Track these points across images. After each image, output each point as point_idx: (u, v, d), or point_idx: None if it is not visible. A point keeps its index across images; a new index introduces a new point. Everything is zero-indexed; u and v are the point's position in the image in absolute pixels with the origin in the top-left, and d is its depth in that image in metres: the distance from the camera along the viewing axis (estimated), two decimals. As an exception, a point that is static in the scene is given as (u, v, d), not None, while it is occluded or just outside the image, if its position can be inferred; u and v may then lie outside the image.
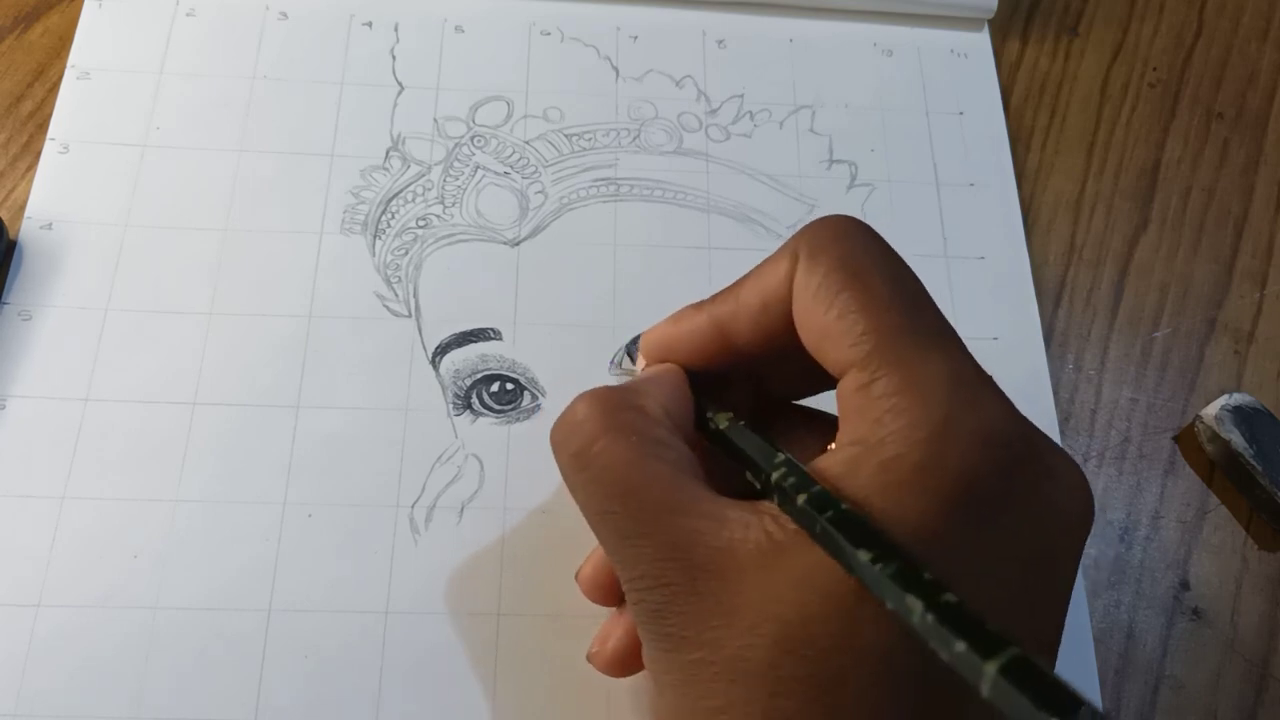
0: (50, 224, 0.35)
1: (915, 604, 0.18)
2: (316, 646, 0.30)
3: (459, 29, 0.40)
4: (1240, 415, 0.34)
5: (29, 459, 0.31)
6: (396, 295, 0.35)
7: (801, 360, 0.24)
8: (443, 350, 0.34)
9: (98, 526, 0.31)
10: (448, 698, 0.30)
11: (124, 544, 0.31)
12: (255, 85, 0.38)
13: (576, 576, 0.28)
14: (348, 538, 0.31)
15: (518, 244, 0.36)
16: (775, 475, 0.22)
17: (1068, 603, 0.23)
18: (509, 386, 0.34)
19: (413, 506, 0.32)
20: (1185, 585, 0.33)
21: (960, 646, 0.17)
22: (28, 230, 0.35)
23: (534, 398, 0.34)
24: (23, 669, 0.29)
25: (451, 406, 0.33)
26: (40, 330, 0.33)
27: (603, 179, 0.37)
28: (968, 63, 0.41)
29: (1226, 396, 0.35)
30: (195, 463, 0.32)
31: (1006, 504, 0.21)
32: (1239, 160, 0.41)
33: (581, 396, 0.24)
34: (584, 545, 0.31)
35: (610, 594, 0.27)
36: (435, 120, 0.38)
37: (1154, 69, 0.43)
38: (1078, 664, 0.31)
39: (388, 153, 0.37)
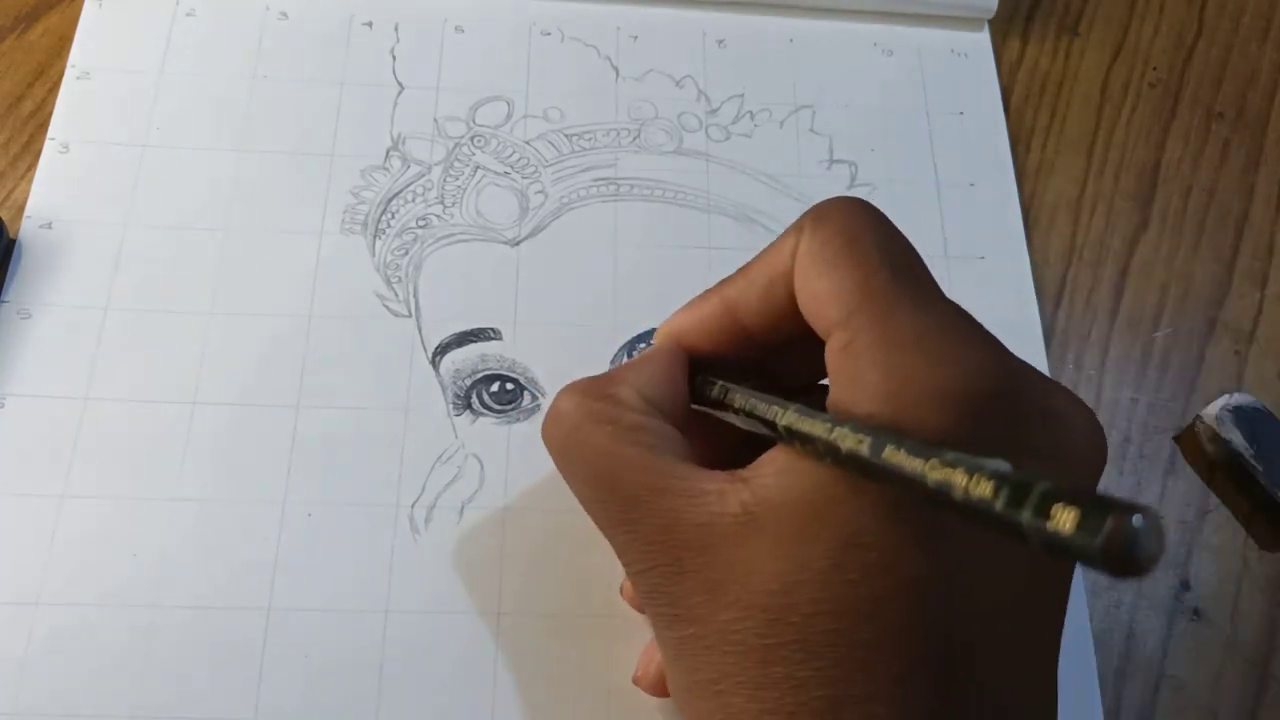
0: (50, 223, 0.35)
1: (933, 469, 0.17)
2: (316, 646, 0.30)
3: (459, 29, 0.40)
4: (1241, 415, 0.34)
5: (28, 458, 0.31)
6: (396, 295, 0.35)
7: (805, 347, 0.24)
8: (443, 350, 0.34)
9: (97, 525, 0.31)
10: (448, 698, 0.30)
11: (123, 543, 0.31)
12: (255, 85, 0.38)
13: (621, 591, 0.29)
14: (348, 537, 0.31)
15: (518, 244, 0.36)
16: (787, 412, 0.22)
17: (1072, 571, 0.22)
18: (509, 386, 0.34)
19: (413, 506, 0.32)
20: (1185, 585, 0.33)
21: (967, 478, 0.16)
22: (28, 230, 0.35)
23: (534, 398, 0.34)
24: (21, 668, 0.29)
25: (451, 406, 0.33)
26: (40, 329, 0.33)
27: (603, 179, 0.37)
28: (968, 63, 0.41)
29: (1227, 397, 0.35)
30: (195, 462, 0.32)
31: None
32: (1239, 160, 0.41)
33: (562, 389, 0.25)
34: (584, 545, 0.31)
35: None
36: (435, 120, 0.38)
37: (1154, 69, 0.42)
38: (1078, 664, 0.31)
39: (388, 153, 0.37)
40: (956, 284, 0.37)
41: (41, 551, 0.30)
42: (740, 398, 0.24)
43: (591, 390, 0.25)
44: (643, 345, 0.34)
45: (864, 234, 0.23)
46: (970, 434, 0.20)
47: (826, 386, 0.27)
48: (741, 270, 0.26)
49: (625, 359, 0.34)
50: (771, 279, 0.24)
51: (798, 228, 0.24)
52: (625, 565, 0.24)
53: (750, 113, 0.39)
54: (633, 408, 0.24)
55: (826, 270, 0.23)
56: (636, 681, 0.28)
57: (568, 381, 0.34)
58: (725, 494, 0.21)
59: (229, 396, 0.33)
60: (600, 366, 0.34)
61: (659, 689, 0.27)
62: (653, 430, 0.24)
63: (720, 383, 0.25)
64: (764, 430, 0.23)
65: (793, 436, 0.21)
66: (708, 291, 0.26)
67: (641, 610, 0.28)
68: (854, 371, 0.21)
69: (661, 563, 0.22)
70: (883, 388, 0.21)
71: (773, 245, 0.25)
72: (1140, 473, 0.35)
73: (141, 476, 0.31)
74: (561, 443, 0.24)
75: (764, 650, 0.20)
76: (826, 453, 0.20)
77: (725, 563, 0.21)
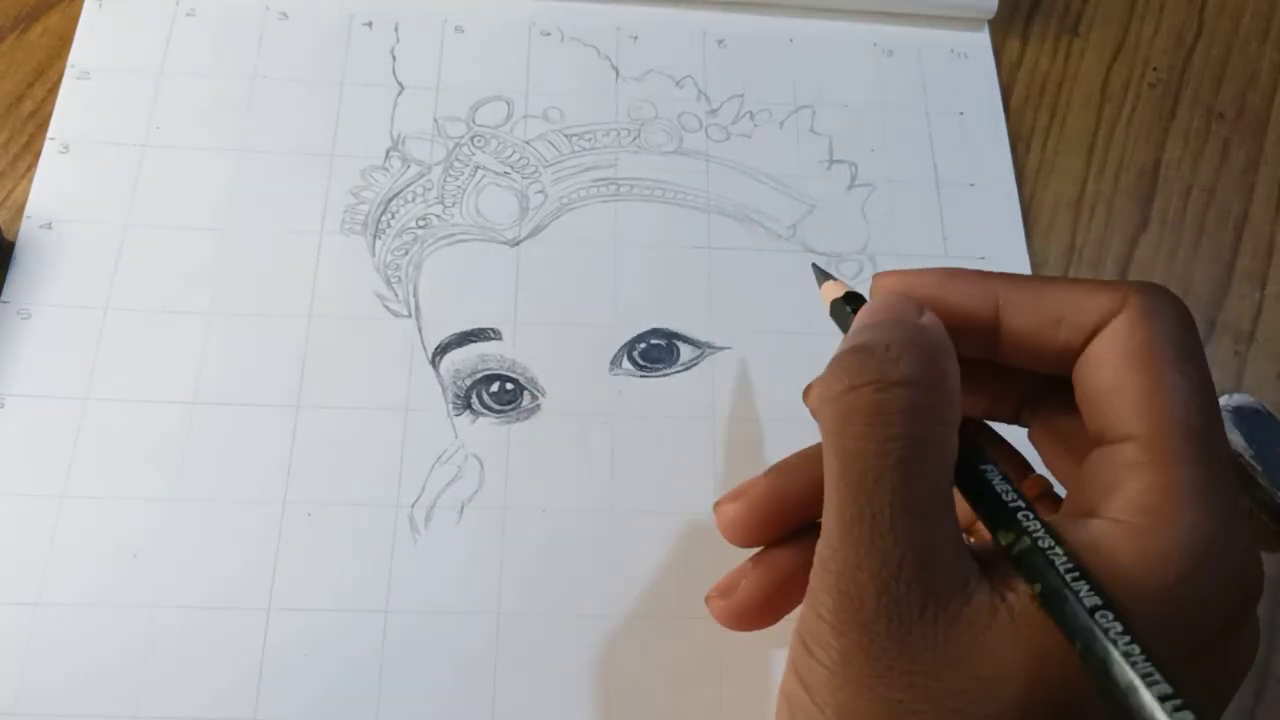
0: (50, 223, 0.35)
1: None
2: (316, 646, 0.30)
3: (459, 29, 0.40)
4: (1240, 415, 0.34)
5: (28, 458, 0.31)
6: (396, 295, 0.35)
7: (1016, 386, 0.23)
8: (443, 350, 0.34)
9: (97, 525, 0.31)
10: (448, 698, 0.30)
11: (123, 543, 0.31)
12: (255, 85, 0.38)
13: (716, 506, 0.25)
14: (348, 537, 0.31)
15: (518, 244, 0.36)
16: (1030, 538, 0.20)
17: None
18: (509, 386, 0.34)
19: (413, 506, 0.32)
20: (1185, 585, 0.33)
21: None
22: (27, 230, 0.35)
23: (534, 398, 0.34)
24: (21, 668, 0.29)
25: (451, 406, 0.33)
26: (40, 329, 0.33)
27: (603, 179, 0.37)
28: (968, 63, 0.41)
29: (1226, 397, 0.35)
30: (195, 463, 0.32)
31: (1217, 655, 0.20)
32: (1239, 160, 0.41)
33: (921, 357, 0.21)
34: (583, 545, 0.31)
35: (760, 531, 0.24)
36: (435, 120, 0.38)
37: (1154, 69, 0.42)
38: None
39: (388, 153, 0.37)
40: (956, 284, 0.37)
41: (40, 550, 0.30)
42: (997, 485, 0.21)
43: (936, 408, 0.21)
44: (643, 345, 0.35)
45: (1195, 353, 0.21)
46: (1225, 628, 0.20)
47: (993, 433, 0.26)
48: (1027, 282, 0.23)
49: (625, 359, 0.34)
50: (1063, 318, 0.22)
51: (1119, 295, 0.21)
52: (848, 568, 0.20)
53: (750, 113, 0.39)
54: (948, 450, 0.21)
55: (1148, 371, 0.20)
56: (709, 602, 0.25)
57: (568, 381, 0.34)
58: (981, 587, 0.20)
59: (229, 396, 0.33)
60: (600, 366, 0.34)
61: (737, 619, 0.25)
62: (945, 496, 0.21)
63: (985, 464, 0.22)
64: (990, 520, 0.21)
65: (1031, 568, 0.20)
66: (977, 273, 0.23)
67: (741, 539, 0.25)
68: (1155, 504, 0.20)
69: (903, 599, 0.19)
70: (1191, 543, 0.19)
71: (1075, 284, 0.22)
72: (1140, 473, 0.35)
73: (141, 476, 0.31)
74: (887, 430, 0.20)
75: None
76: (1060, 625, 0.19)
77: (980, 642, 0.19)
